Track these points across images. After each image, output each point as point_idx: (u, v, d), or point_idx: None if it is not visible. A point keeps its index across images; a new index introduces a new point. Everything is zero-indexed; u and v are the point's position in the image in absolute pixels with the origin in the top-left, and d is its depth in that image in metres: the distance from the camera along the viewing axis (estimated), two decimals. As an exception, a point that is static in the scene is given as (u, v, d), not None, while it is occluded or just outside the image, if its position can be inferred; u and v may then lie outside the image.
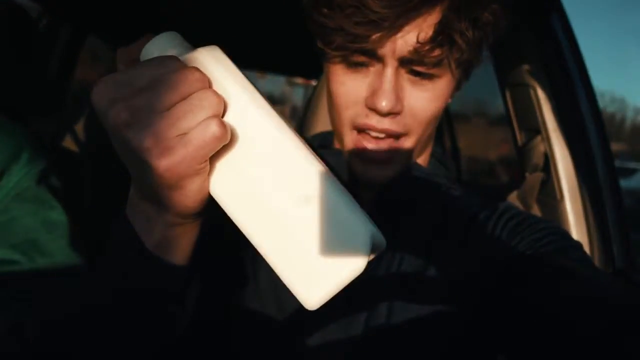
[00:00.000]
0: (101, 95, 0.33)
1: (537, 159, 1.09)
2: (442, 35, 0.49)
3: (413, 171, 0.62)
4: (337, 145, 0.65)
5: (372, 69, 0.53)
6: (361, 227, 0.32)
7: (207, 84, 0.34)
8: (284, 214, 0.33)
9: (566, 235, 0.59)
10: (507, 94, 1.17)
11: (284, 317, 0.56)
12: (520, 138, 1.17)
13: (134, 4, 1.69)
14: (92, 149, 1.82)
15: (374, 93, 0.52)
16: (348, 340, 0.55)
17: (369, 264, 0.58)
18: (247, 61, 2.74)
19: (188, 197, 0.35)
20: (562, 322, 0.43)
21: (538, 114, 1.06)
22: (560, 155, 1.04)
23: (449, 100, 0.60)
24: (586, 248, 0.98)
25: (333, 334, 0.55)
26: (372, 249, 0.33)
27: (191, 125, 0.32)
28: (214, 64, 0.35)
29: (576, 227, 1.00)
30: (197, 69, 0.34)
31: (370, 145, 0.55)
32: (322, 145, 0.67)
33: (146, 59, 0.34)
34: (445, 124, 2.08)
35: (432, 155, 0.68)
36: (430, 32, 0.49)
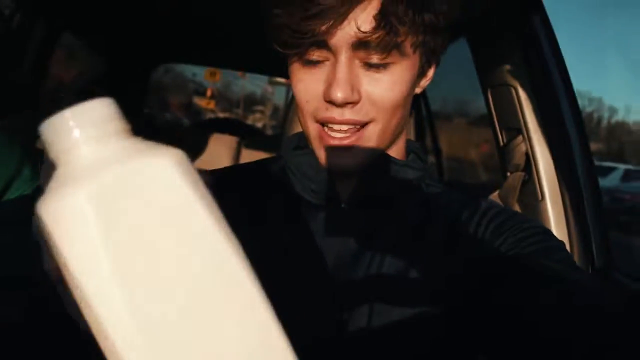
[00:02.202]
0: None
1: (519, 158, 1.10)
2: (384, 21, 0.50)
3: (388, 164, 0.61)
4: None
5: (327, 62, 0.53)
6: None
7: None
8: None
9: (549, 234, 0.59)
10: (489, 94, 1.17)
11: None
12: (501, 138, 1.18)
13: (113, 1, 1.66)
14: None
15: (329, 85, 0.52)
16: (328, 342, 0.54)
17: (349, 264, 0.58)
18: (227, 61, 2.72)
19: None
20: (542, 327, 0.43)
21: (519, 113, 1.07)
22: (541, 155, 1.05)
23: (418, 89, 0.60)
24: (567, 247, 0.99)
25: (313, 335, 0.54)
26: None
27: None
28: None
29: (557, 226, 1.01)
30: None
31: (333, 140, 0.56)
32: (297, 147, 0.66)
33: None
34: (427, 124, 2.09)
35: (409, 149, 0.67)
36: (372, 19, 0.50)
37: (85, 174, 0.23)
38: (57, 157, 0.25)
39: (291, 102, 1.17)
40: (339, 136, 0.55)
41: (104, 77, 2.42)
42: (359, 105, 0.54)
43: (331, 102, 0.53)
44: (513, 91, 1.07)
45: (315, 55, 0.53)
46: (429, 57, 0.58)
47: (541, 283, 0.49)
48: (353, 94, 0.52)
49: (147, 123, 1.91)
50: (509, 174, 1.15)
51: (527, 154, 1.08)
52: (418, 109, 1.95)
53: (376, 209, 0.61)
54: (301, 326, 0.55)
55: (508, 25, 1.05)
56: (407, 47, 0.52)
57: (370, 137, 0.56)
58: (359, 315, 0.55)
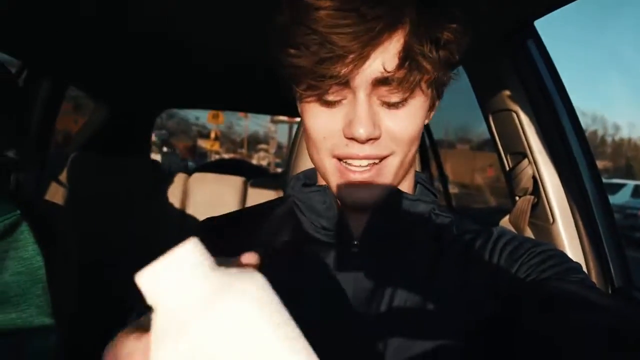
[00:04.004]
0: None
1: (526, 182, 1.09)
2: (408, 60, 0.50)
3: (400, 199, 0.61)
4: (320, 182, 0.64)
5: (344, 101, 0.54)
6: None
7: None
8: None
9: (564, 257, 0.58)
10: (490, 120, 1.18)
11: None
12: (507, 162, 1.17)
13: (115, 55, 1.70)
14: (75, 199, 1.79)
15: (350, 123, 0.52)
16: None
17: (363, 302, 0.56)
18: (230, 103, 2.77)
19: None
20: (567, 351, 0.42)
21: (523, 137, 1.07)
22: (548, 177, 1.04)
23: (427, 120, 0.60)
24: (584, 268, 0.97)
25: None
26: None
27: None
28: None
29: (571, 248, 0.99)
30: None
31: (353, 175, 0.55)
32: (306, 184, 0.66)
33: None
34: (431, 152, 2.10)
35: (418, 181, 0.67)
36: (396, 59, 0.50)
37: (177, 327, 0.28)
38: (154, 305, 0.30)
39: (294, 140, 1.18)
40: (359, 170, 0.55)
41: (110, 124, 2.47)
42: (379, 141, 0.54)
43: (353, 139, 0.53)
44: (514, 115, 1.07)
45: (333, 95, 0.53)
46: (439, 90, 0.59)
47: (562, 307, 0.48)
48: (375, 130, 0.52)
49: (154, 168, 1.92)
50: (517, 198, 1.14)
51: (534, 177, 1.07)
52: (422, 139, 1.96)
53: (389, 246, 0.60)
54: None
55: (502, 50, 1.06)
56: (424, 83, 0.53)
57: (389, 171, 0.56)
58: (378, 352, 0.54)
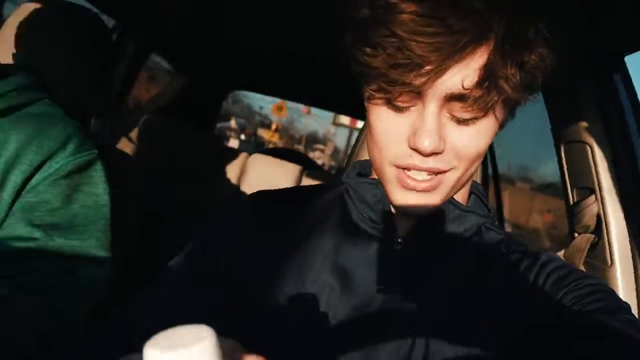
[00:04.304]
0: None
1: (589, 219, 1.05)
2: (488, 81, 0.47)
3: (454, 210, 0.60)
4: (374, 175, 0.64)
5: (413, 108, 0.52)
6: None
7: None
8: None
9: (614, 295, 0.55)
10: (562, 150, 1.14)
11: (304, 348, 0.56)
12: (572, 196, 1.13)
13: (201, 30, 1.78)
14: (141, 157, 1.89)
15: (416, 133, 0.50)
16: None
17: (397, 300, 0.56)
18: (297, 94, 2.82)
19: None
20: None
21: (593, 172, 1.03)
22: (613, 218, 0.99)
23: (492, 139, 0.58)
24: (637, 315, 0.92)
25: None
26: None
27: None
28: None
29: (626, 294, 0.94)
30: None
31: (412, 182, 0.54)
32: (360, 174, 0.67)
33: None
34: (492, 175, 2.04)
35: (473, 191, 0.66)
36: (476, 77, 0.47)
37: None
38: None
39: (355, 144, 1.18)
40: (420, 179, 0.54)
41: (184, 94, 2.58)
42: (442, 155, 0.52)
43: (416, 150, 0.51)
44: (588, 149, 1.03)
45: (403, 101, 0.51)
46: (513, 110, 0.56)
47: (605, 341, 0.46)
48: (440, 144, 0.50)
49: (217, 142, 1.99)
50: (576, 234, 1.10)
51: (598, 215, 1.03)
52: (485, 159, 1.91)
53: (432, 250, 0.60)
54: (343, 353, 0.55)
55: (586, 80, 1.03)
56: (500, 103, 0.51)
57: (447, 185, 0.55)
58: (405, 347, 0.54)
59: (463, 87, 0.47)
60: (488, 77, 0.47)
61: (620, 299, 0.55)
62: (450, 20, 0.44)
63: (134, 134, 1.91)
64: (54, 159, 0.80)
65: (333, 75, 1.82)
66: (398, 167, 0.54)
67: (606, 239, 1.00)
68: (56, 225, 0.79)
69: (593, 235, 1.05)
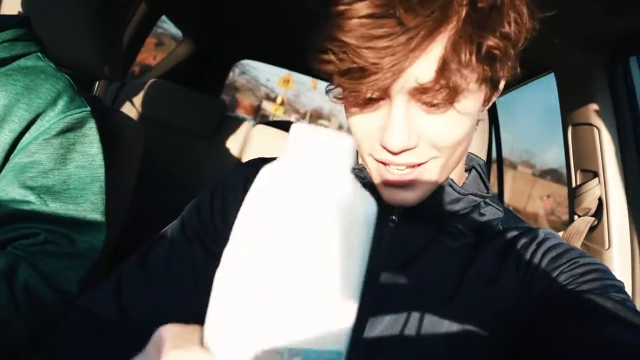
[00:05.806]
0: None
1: (590, 202, 1.05)
2: (447, 70, 0.45)
3: (450, 191, 0.59)
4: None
5: (382, 102, 0.49)
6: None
7: None
8: None
9: (609, 273, 0.55)
10: (569, 132, 1.13)
11: None
12: (575, 179, 1.13)
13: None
14: (145, 121, 1.88)
15: (383, 130, 0.49)
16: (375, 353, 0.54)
17: (390, 277, 0.56)
18: (303, 65, 2.78)
19: None
20: None
21: (599, 156, 1.02)
22: (616, 202, 1.00)
23: (484, 109, 0.56)
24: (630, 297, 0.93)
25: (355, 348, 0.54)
26: None
27: None
28: None
29: (621, 276, 0.95)
30: None
31: (392, 176, 0.53)
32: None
33: None
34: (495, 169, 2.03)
35: (472, 167, 0.64)
36: (434, 69, 0.45)
37: None
38: None
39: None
40: (398, 173, 0.52)
41: (191, 59, 2.56)
42: (416, 149, 0.50)
43: (386, 149, 0.50)
44: (596, 131, 1.03)
45: (369, 93, 0.48)
46: (495, 84, 0.52)
47: (595, 322, 0.46)
48: (410, 140, 0.48)
49: (222, 110, 1.98)
50: (576, 217, 1.10)
51: (600, 199, 1.03)
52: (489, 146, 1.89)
53: (427, 228, 0.59)
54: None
55: (600, 62, 1.01)
56: (472, 84, 0.47)
57: (431, 172, 0.53)
58: (409, 324, 0.54)
59: (423, 81, 0.45)
60: (446, 67, 0.45)
61: (615, 277, 0.55)
62: (405, 15, 0.42)
63: (138, 98, 1.90)
64: (44, 117, 0.78)
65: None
66: (376, 160, 0.53)
67: (606, 222, 1.01)
68: (50, 188, 0.77)
69: (593, 218, 1.05)
